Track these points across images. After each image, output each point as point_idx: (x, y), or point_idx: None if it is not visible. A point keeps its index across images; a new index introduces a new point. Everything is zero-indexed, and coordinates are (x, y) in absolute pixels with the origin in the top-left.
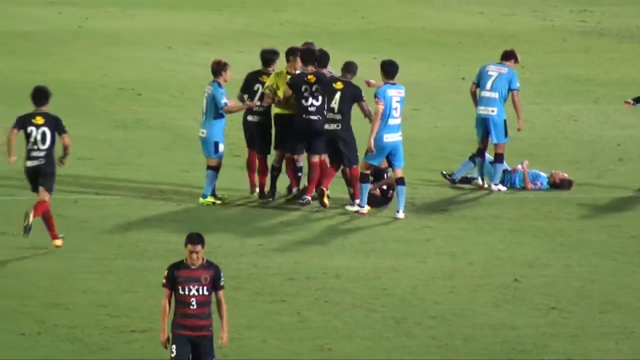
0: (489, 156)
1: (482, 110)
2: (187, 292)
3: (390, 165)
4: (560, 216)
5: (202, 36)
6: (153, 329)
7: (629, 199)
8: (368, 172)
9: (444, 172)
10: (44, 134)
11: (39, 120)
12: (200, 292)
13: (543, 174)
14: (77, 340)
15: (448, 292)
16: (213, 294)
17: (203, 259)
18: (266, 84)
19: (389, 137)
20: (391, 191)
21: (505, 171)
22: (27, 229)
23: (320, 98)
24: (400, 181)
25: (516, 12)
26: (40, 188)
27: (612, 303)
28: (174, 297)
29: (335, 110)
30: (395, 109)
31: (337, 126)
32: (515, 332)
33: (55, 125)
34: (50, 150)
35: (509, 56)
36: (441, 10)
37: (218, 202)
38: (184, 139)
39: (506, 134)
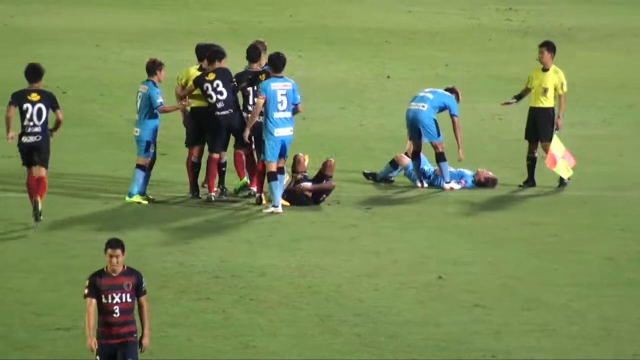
0: (424, 157)
1: (413, 105)
2: (110, 300)
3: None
4: (483, 214)
5: (130, 34)
6: (78, 326)
7: (551, 198)
8: (274, 170)
9: (366, 172)
10: (39, 111)
11: (35, 97)
12: (124, 300)
13: (468, 172)
14: (2, 338)
15: (373, 289)
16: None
17: (124, 266)
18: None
19: (280, 132)
20: (324, 196)
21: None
22: (38, 217)
23: (225, 92)
24: (280, 170)
25: (444, 11)
26: (38, 166)
27: (534, 300)
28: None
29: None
30: (281, 102)
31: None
32: (439, 329)
33: (51, 101)
34: (45, 126)
35: (450, 91)
36: (369, 9)
37: (144, 202)
38: (113, 137)
39: (439, 134)
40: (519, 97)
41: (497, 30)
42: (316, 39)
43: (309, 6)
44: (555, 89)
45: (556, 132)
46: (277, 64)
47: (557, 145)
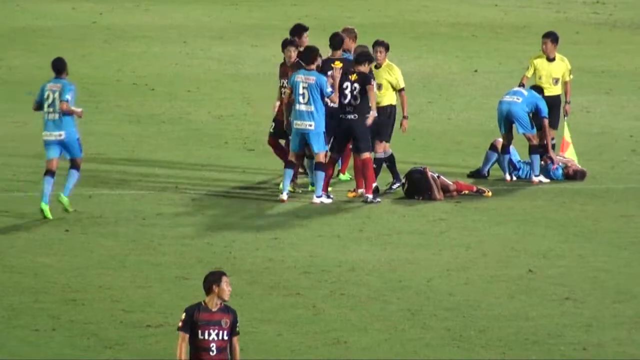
0: (514, 150)
1: (507, 98)
2: (206, 337)
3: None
4: (573, 207)
5: (218, 31)
6: (168, 323)
7: None
8: (291, 159)
9: (471, 172)
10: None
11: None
12: (220, 337)
13: (561, 164)
14: (92, 335)
15: (463, 283)
16: None
17: (221, 303)
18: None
19: (298, 124)
20: (446, 194)
21: (521, 162)
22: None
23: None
24: (317, 166)
25: (531, 5)
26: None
27: (625, 293)
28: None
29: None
30: (302, 94)
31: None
32: (529, 322)
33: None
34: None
35: (537, 89)
36: (456, 3)
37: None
38: (199, 133)
39: (532, 126)
40: (521, 86)
41: (584, 24)
42: (405, 34)
43: (398, 1)
44: (563, 77)
45: (566, 118)
46: (306, 56)
47: (566, 132)
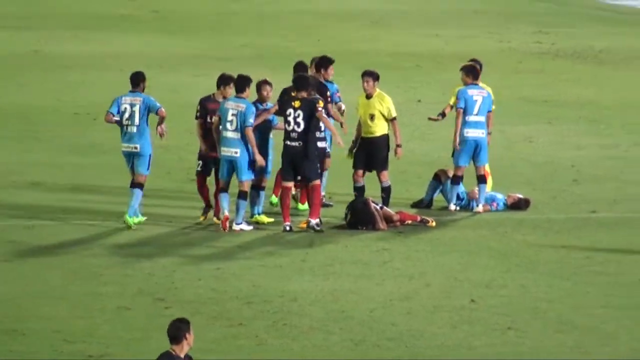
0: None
1: (471, 133)
2: None
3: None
4: (515, 237)
5: (157, 60)
6: (109, 354)
7: (583, 219)
8: (220, 186)
9: (414, 203)
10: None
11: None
12: None
13: (499, 196)
14: None
15: (406, 313)
16: None
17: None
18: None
19: (225, 151)
20: (364, 227)
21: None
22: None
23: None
24: (240, 194)
25: (473, 34)
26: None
27: (567, 323)
28: None
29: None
30: (230, 121)
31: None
32: (472, 352)
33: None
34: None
35: (472, 70)
36: (397, 34)
37: (267, 220)
38: None
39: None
40: (443, 114)
41: (527, 53)
42: (345, 64)
43: (336, 31)
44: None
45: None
46: (239, 85)
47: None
